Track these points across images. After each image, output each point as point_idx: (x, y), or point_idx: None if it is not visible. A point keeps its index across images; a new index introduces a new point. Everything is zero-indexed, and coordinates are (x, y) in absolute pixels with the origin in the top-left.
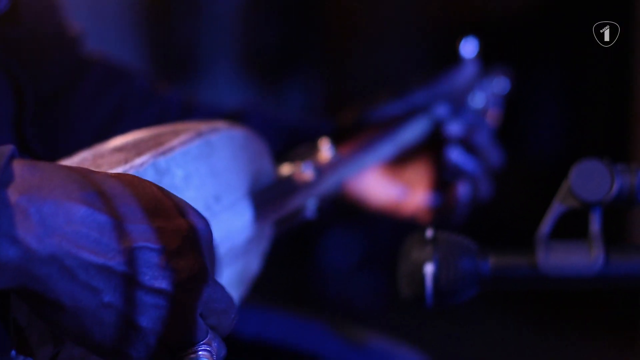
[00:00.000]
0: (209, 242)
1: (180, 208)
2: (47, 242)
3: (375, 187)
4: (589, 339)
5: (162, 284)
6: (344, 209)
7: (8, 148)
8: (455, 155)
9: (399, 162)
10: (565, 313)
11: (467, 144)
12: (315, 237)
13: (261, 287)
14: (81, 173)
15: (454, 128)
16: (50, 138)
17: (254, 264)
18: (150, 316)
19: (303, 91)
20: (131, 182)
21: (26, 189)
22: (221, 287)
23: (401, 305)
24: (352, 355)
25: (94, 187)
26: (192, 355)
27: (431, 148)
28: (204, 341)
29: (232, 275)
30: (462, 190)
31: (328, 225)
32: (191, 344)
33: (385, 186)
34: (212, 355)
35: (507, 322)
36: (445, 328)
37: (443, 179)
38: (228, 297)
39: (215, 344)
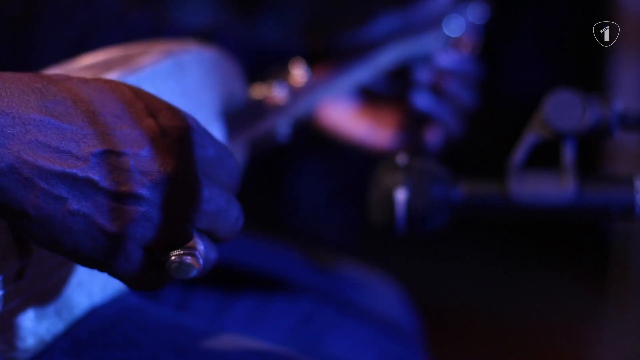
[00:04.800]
0: (188, 140)
1: (152, 108)
2: (4, 153)
3: (346, 122)
4: (560, 273)
5: (130, 187)
6: (316, 140)
7: None
8: (422, 102)
9: (371, 99)
10: (537, 248)
11: (437, 89)
12: (286, 168)
13: None
14: (45, 80)
15: (423, 74)
16: (20, 59)
17: None
18: (121, 221)
19: (278, 16)
20: (100, 87)
21: None
22: (213, 187)
23: (373, 239)
24: (322, 279)
25: (55, 95)
26: (173, 258)
27: (403, 88)
28: (188, 244)
29: None
30: (431, 134)
31: (300, 156)
32: (171, 247)
33: (356, 123)
34: (196, 259)
35: (479, 256)
36: (418, 262)
37: (412, 122)
38: (221, 198)
39: (202, 247)
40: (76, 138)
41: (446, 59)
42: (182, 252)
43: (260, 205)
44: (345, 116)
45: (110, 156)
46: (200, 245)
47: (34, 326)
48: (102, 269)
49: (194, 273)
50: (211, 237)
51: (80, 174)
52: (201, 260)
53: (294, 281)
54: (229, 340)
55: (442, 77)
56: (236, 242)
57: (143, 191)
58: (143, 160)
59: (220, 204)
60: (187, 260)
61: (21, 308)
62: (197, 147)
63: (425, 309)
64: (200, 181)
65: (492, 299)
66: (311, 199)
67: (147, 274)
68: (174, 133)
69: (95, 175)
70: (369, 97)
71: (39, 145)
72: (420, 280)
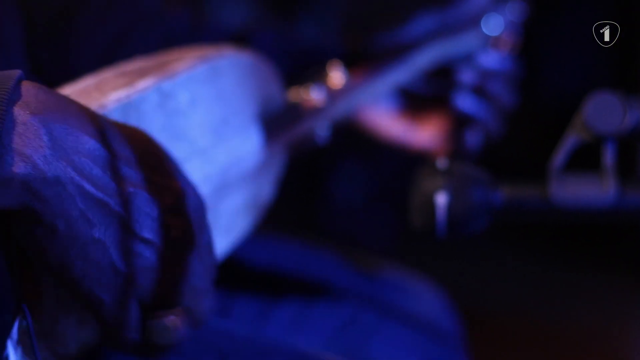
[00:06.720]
0: (200, 216)
1: (178, 173)
2: (54, 164)
3: (386, 124)
4: (601, 274)
5: (151, 235)
6: (355, 141)
7: (16, 71)
8: (464, 103)
9: (412, 101)
10: (577, 250)
11: (480, 90)
12: (325, 171)
13: (271, 219)
14: (93, 111)
15: (466, 76)
16: (61, 58)
17: (265, 189)
18: (132, 263)
19: (315, 17)
20: (139, 135)
21: (40, 111)
22: (205, 267)
23: (411, 241)
24: (364, 283)
25: (102, 126)
26: (157, 320)
27: (444, 90)
28: (176, 309)
29: (244, 200)
30: (472, 135)
31: (339, 158)
32: (162, 306)
33: (397, 125)
34: (177, 326)
35: (519, 258)
36: (458, 264)
37: (453, 123)
38: (209, 280)
39: (185, 319)
40: (117, 172)
41: (487, 59)
42: (167, 314)
43: (299, 208)
44: (385, 118)
45: (142, 199)
46: (184, 317)
47: (76, 332)
48: (90, 306)
49: (176, 336)
50: (189, 313)
51: (114, 206)
52: (179, 331)
53: (335, 285)
54: (271, 346)
55: (485, 78)
56: (277, 247)
57: (159, 242)
58: (169, 215)
59: (207, 284)
60: (171, 323)
61: (63, 314)
62: (206, 226)
63: (466, 311)
64: (202, 257)
65: (532, 301)
66: (350, 202)
67: (131, 326)
68: (192, 203)
69: (125, 212)
70: (410, 98)
71: (86, 168)
72: (460, 282)
